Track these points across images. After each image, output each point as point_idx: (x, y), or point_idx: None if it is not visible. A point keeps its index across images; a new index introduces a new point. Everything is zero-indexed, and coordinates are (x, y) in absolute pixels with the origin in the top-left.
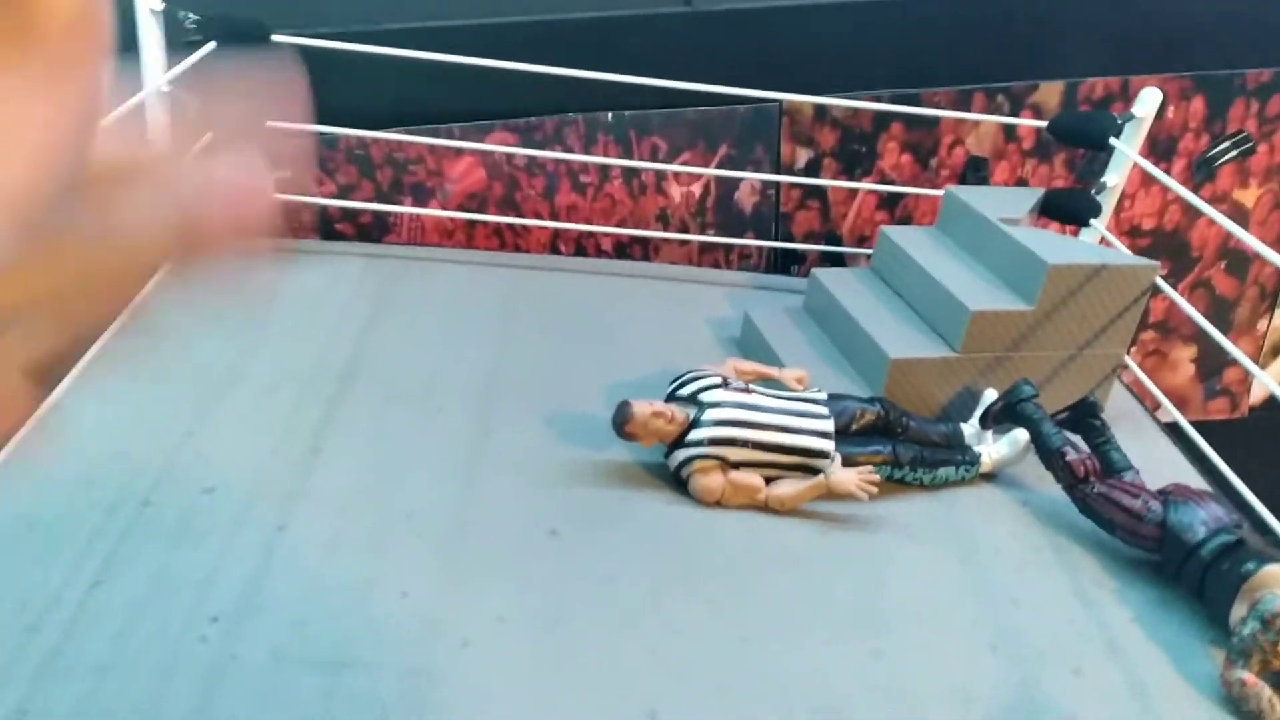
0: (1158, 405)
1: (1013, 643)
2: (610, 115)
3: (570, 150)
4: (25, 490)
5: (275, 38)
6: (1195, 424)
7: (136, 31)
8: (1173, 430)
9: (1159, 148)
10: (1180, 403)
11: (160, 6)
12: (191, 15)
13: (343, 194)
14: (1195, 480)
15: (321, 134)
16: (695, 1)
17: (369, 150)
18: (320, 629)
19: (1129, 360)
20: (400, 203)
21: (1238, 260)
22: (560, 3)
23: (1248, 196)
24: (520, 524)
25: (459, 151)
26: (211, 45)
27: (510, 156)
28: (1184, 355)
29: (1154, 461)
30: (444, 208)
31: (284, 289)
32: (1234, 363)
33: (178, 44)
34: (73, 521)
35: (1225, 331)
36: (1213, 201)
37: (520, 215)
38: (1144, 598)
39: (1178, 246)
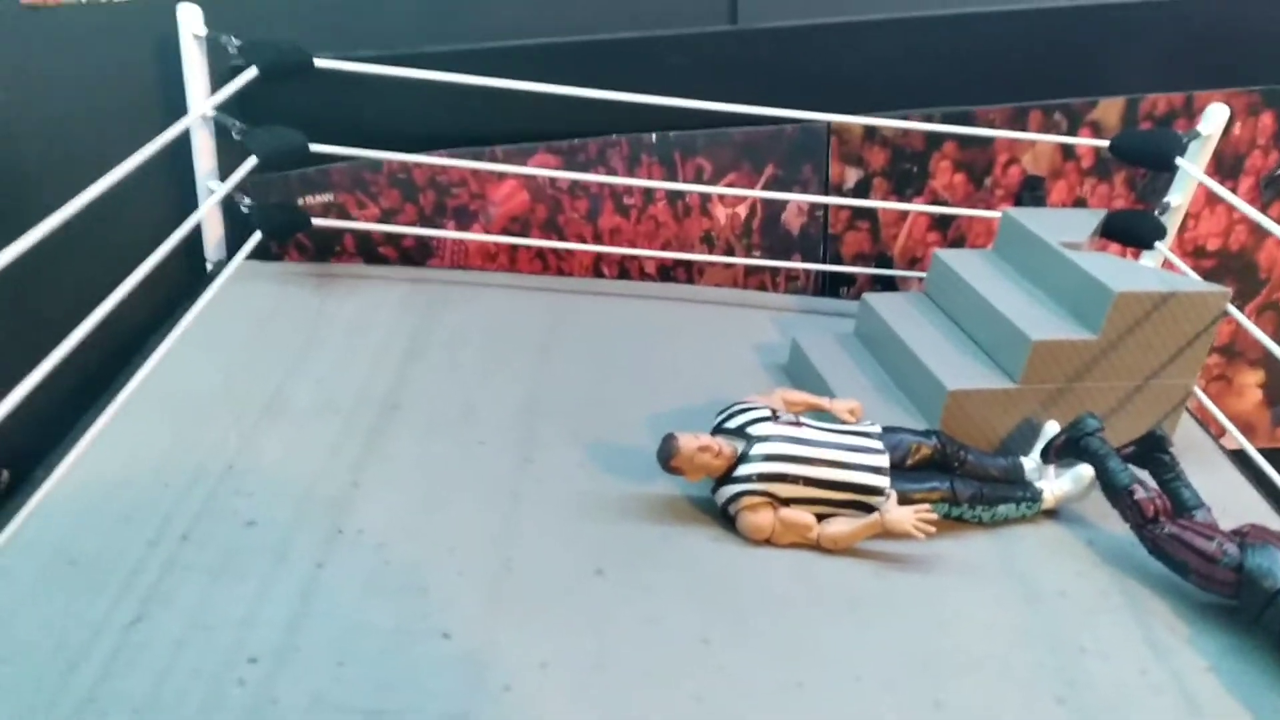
0: (1222, 432)
1: (1081, 694)
2: (654, 136)
3: (614, 172)
4: (66, 524)
5: (317, 62)
6: (1266, 451)
7: (180, 57)
8: (1239, 458)
9: (1225, 165)
10: (1247, 429)
11: (204, 32)
12: (235, 40)
13: (385, 218)
14: (1270, 518)
15: (366, 158)
16: (741, 19)
17: (411, 173)
18: (359, 672)
19: (1195, 388)
20: (443, 226)
21: None
22: (603, 23)
23: None
24: (565, 562)
25: (501, 175)
26: (254, 70)
27: (553, 179)
28: (1250, 380)
29: (1225, 496)
30: (487, 231)
31: (327, 315)
32: None
33: (221, 69)
34: (113, 556)
35: None
36: None
37: (563, 238)
38: (1220, 645)
39: (1245, 267)
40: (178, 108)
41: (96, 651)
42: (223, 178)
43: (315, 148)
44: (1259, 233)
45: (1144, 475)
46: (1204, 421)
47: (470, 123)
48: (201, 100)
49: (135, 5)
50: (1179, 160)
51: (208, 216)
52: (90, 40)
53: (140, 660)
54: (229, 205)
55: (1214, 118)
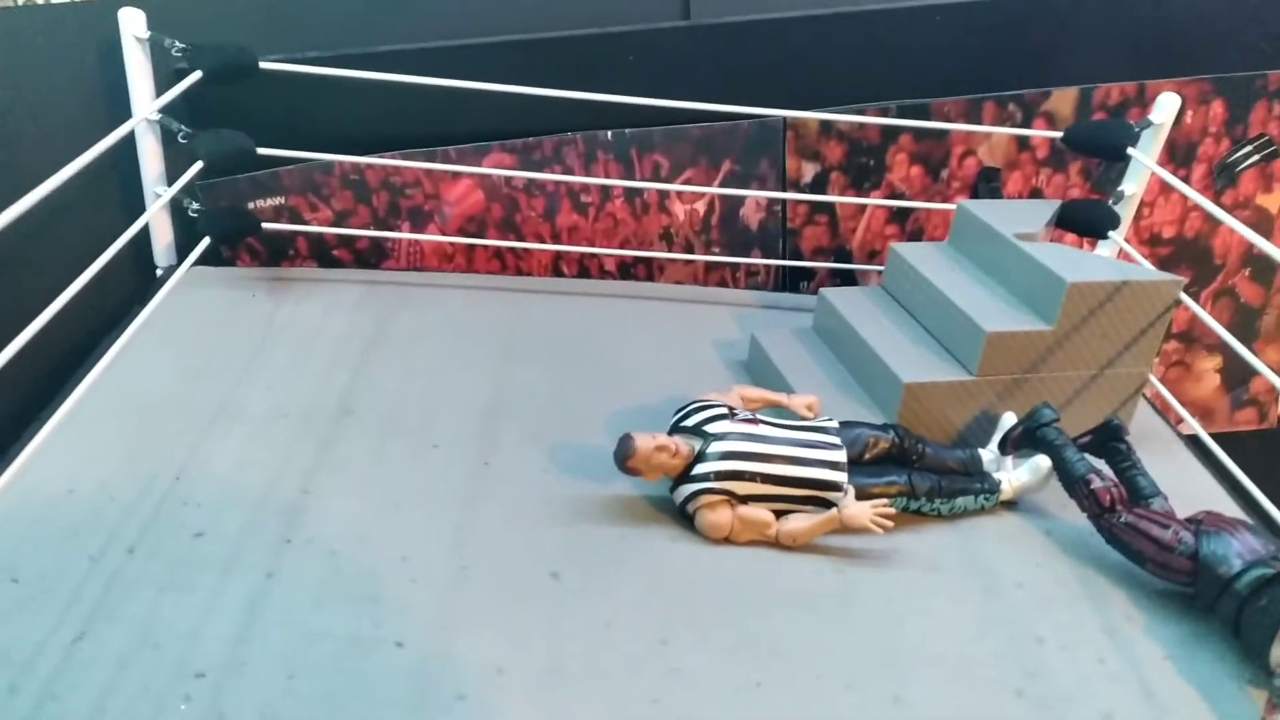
0: (1180, 419)
1: (1040, 685)
2: (610, 134)
3: (570, 170)
4: (8, 540)
5: (263, 64)
6: (1223, 435)
7: (123, 60)
8: (1196, 444)
9: (1178, 153)
10: (1206, 414)
11: (146, 35)
12: (178, 43)
13: (339, 220)
14: (1227, 504)
15: (316, 160)
16: (694, 15)
17: (364, 175)
18: (310, 684)
19: (1150, 376)
20: (398, 227)
21: (1263, 267)
22: (556, 20)
23: (1271, 201)
24: (520, 566)
25: (456, 174)
26: (198, 74)
27: (509, 178)
28: (1209, 365)
29: (1177, 480)
30: (442, 232)
31: (280, 320)
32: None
33: (166, 72)
34: (57, 572)
35: (1251, 340)
36: (1235, 207)
37: (521, 237)
38: (1176, 633)
39: (1200, 254)
40: (122, 112)
41: (39, 671)
42: (171, 182)
43: (263, 150)
44: (1213, 219)
45: (1101, 464)
46: (1161, 409)
47: (423, 123)
48: (146, 104)
49: (76, 8)
50: (1131, 150)
51: (156, 222)
52: (30, 43)
53: (84, 679)
54: (178, 210)
55: (1165, 107)
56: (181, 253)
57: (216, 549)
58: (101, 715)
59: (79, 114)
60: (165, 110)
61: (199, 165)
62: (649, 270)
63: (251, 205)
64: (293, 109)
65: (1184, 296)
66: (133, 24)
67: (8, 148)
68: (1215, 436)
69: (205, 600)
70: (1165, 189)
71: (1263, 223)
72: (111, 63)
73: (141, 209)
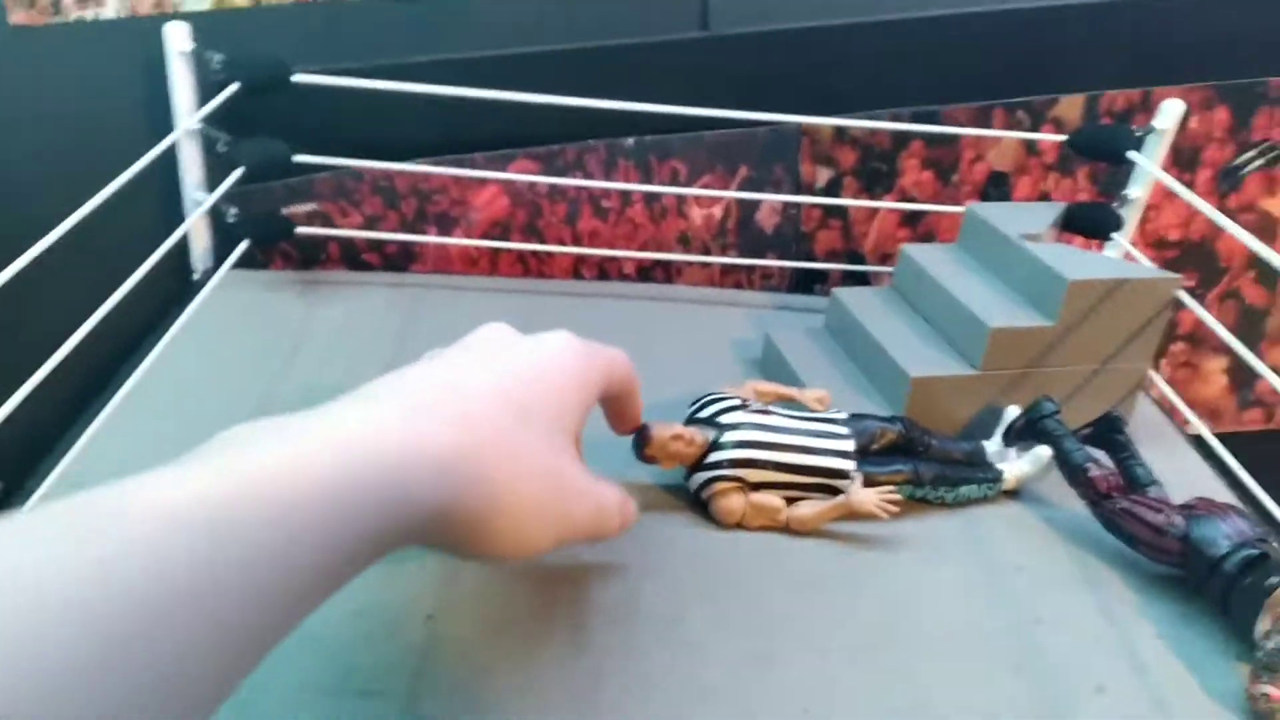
0: (1187, 420)
1: (1036, 662)
2: (631, 141)
3: (591, 176)
4: None
5: (296, 77)
6: (1230, 435)
7: (167, 72)
8: (1200, 442)
9: (1183, 158)
10: (1213, 414)
11: (189, 48)
12: (217, 56)
13: (368, 225)
14: (1223, 494)
15: (348, 167)
16: (712, 26)
17: (394, 181)
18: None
19: (1154, 375)
20: (425, 232)
21: (1268, 270)
22: (577, 32)
23: (1276, 205)
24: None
25: (482, 181)
26: (235, 85)
27: (532, 184)
28: (1215, 366)
29: (1180, 476)
30: (468, 236)
31: (314, 320)
32: None
33: (207, 84)
34: None
35: (1256, 342)
36: (1240, 211)
37: (543, 241)
38: (1168, 613)
39: (1205, 256)
40: (163, 122)
41: None
42: (210, 189)
43: (298, 158)
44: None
45: (1100, 454)
46: (1167, 409)
47: (450, 130)
48: (188, 115)
49: (122, 23)
50: (1131, 154)
51: (195, 227)
52: (77, 58)
53: None
54: (215, 215)
55: (1169, 113)
56: (217, 256)
57: None
58: None
59: (123, 124)
60: (206, 120)
61: (239, 172)
62: (667, 273)
63: (285, 210)
64: (326, 117)
65: (1185, 297)
66: (177, 38)
67: (57, 157)
68: (1222, 436)
69: None
70: (1170, 193)
71: (1267, 226)
72: (153, 75)
73: (178, 214)
